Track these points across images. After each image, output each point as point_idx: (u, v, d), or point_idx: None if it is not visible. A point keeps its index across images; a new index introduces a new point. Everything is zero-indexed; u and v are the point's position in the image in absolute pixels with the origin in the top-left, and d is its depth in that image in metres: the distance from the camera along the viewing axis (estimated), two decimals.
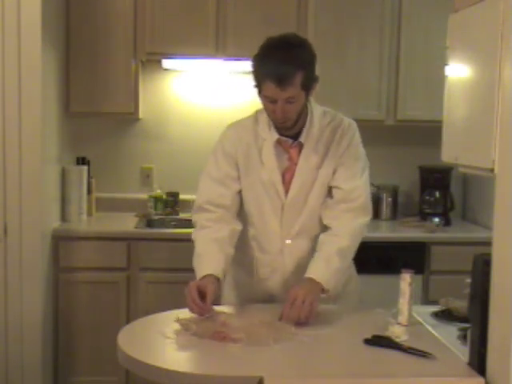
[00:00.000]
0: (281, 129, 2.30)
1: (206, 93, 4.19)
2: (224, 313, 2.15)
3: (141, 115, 3.99)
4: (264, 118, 2.34)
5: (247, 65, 3.78)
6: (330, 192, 2.36)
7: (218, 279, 2.19)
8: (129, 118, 4.01)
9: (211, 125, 4.12)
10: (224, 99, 4.17)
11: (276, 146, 2.33)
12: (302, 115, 2.30)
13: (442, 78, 2.04)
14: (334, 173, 2.34)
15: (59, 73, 3.68)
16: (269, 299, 2.39)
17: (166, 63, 3.97)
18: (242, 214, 2.41)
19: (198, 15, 3.79)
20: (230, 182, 2.35)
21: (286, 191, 2.33)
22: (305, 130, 2.32)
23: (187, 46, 3.80)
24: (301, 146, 2.33)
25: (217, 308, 2.18)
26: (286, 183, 2.33)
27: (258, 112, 2.41)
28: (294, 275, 2.35)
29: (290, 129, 2.30)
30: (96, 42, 3.77)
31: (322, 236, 2.32)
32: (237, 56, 3.80)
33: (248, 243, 2.42)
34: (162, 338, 2.00)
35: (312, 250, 2.32)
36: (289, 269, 2.36)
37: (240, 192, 2.38)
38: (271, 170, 2.32)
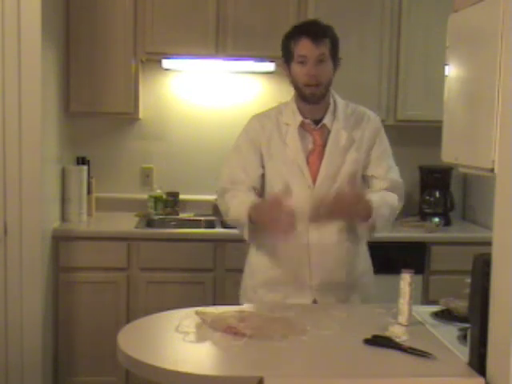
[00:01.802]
0: (309, 97, 2.38)
1: (205, 93, 4.19)
2: (245, 310, 2.19)
3: (141, 115, 3.99)
4: (289, 107, 2.47)
5: (247, 65, 3.84)
6: (365, 182, 2.51)
7: None
8: (129, 118, 4.01)
9: (211, 125, 4.13)
10: (224, 99, 4.17)
11: (300, 130, 2.44)
12: (327, 96, 2.43)
13: (441, 78, 2.04)
14: (368, 161, 2.47)
15: (59, 73, 3.68)
16: (290, 280, 2.43)
17: (166, 63, 3.97)
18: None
19: (198, 15, 3.79)
20: (250, 168, 2.46)
21: (312, 172, 2.42)
22: (329, 113, 2.44)
23: (187, 46, 3.80)
24: (324, 130, 2.44)
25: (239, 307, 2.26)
26: (311, 165, 2.43)
27: (281, 104, 2.54)
28: (318, 253, 2.42)
29: (317, 99, 2.39)
30: (96, 42, 3.77)
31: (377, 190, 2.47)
32: (237, 56, 3.80)
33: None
34: (163, 337, 2.01)
35: (335, 232, 2.43)
36: (314, 247, 2.42)
37: (261, 177, 2.47)
38: (295, 150, 2.42)
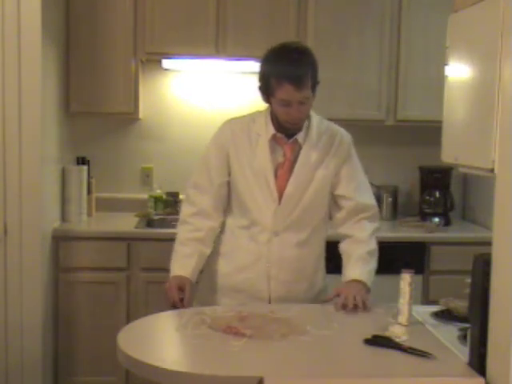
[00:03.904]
0: (290, 129, 2.38)
1: (206, 93, 4.19)
2: (243, 310, 2.18)
3: (141, 115, 3.99)
4: (262, 118, 2.44)
5: (247, 65, 3.85)
6: (335, 202, 2.49)
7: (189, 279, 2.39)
8: (129, 118, 4.01)
9: (211, 125, 4.08)
10: (224, 99, 4.17)
11: (271, 142, 2.41)
12: None
13: (441, 78, 2.04)
14: (337, 181, 2.45)
15: (59, 73, 3.68)
16: (246, 289, 2.43)
17: (166, 63, 3.97)
18: (233, 205, 2.49)
19: (198, 15, 3.79)
20: (214, 175, 2.46)
21: (279, 186, 2.40)
22: (303, 129, 2.41)
23: (187, 46, 3.80)
24: (296, 144, 2.42)
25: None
26: (280, 178, 2.40)
27: (255, 113, 2.50)
28: (277, 266, 2.42)
29: (298, 130, 2.39)
30: (96, 42, 3.77)
31: (344, 245, 2.47)
32: (237, 56, 3.80)
33: (236, 233, 2.49)
34: (163, 337, 2.01)
35: (299, 244, 2.43)
36: (273, 259, 2.42)
37: (226, 184, 2.47)
38: (264, 162, 2.40)
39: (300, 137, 2.40)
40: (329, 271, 2.62)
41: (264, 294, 2.42)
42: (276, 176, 2.40)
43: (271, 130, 2.40)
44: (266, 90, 2.34)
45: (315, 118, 2.46)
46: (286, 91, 2.26)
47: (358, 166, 2.51)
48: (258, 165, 2.40)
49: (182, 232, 2.49)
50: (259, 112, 2.49)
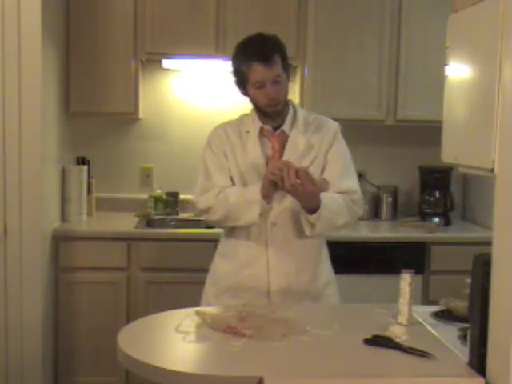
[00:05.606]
0: (271, 114, 2.43)
1: (205, 93, 4.20)
2: (243, 310, 2.17)
3: (141, 115, 3.99)
4: (249, 117, 2.51)
5: None
6: None
7: None
8: (129, 118, 4.01)
9: (211, 125, 4.06)
10: (224, 99, 4.17)
11: (260, 136, 2.47)
12: (285, 106, 2.47)
13: (441, 78, 2.04)
14: (322, 167, 2.46)
15: (59, 73, 3.68)
16: (252, 285, 2.44)
17: (166, 63, 3.97)
18: None
19: (198, 15, 3.79)
20: (215, 175, 2.48)
21: None
22: (288, 119, 2.47)
23: (187, 46, 3.80)
24: (282, 135, 2.47)
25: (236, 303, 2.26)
26: None
27: (242, 116, 2.57)
28: (276, 257, 2.42)
29: (279, 114, 2.43)
30: (96, 41, 3.77)
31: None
32: None
33: (233, 231, 2.50)
34: (163, 337, 2.01)
35: (297, 234, 2.42)
36: (273, 250, 2.43)
37: (228, 185, 2.48)
38: (256, 156, 2.45)
39: (286, 127, 2.46)
40: None
41: (265, 289, 2.42)
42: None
43: (258, 124, 2.46)
44: (241, 81, 2.42)
45: (302, 111, 2.53)
46: (257, 71, 2.34)
47: (344, 152, 2.51)
48: (250, 160, 2.45)
49: (214, 191, 2.44)
50: (245, 115, 2.55)
